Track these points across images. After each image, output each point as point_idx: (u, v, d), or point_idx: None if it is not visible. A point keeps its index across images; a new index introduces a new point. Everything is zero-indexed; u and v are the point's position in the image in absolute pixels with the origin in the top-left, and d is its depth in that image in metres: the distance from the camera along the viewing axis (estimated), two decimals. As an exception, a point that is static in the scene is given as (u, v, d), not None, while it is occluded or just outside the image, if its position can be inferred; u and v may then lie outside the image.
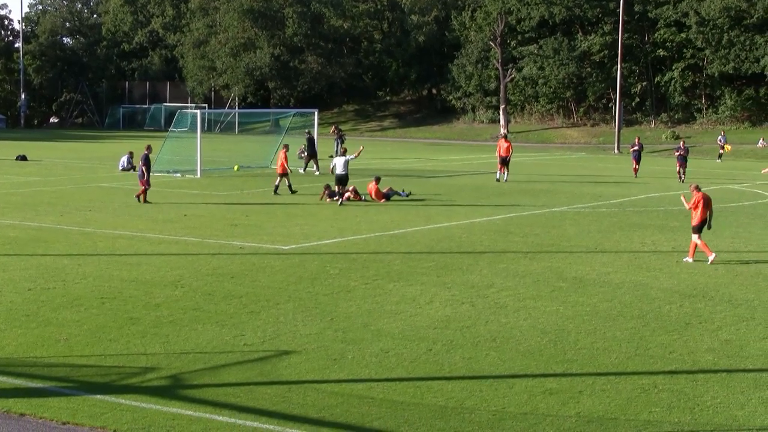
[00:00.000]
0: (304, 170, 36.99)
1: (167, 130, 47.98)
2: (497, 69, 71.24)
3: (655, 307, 13.71)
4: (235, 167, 37.39)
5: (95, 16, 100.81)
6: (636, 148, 38.55)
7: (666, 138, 63.14)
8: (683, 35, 65.91)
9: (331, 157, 28.62)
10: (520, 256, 17.94)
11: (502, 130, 63.27)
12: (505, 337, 11.88)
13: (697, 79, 67.62)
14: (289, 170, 29.02)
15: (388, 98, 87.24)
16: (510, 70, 70.89)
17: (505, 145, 34.81)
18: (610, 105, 69.29)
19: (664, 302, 14.06)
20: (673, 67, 67.36)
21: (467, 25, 75.13)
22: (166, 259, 17.01)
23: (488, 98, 74.38)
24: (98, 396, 9.35)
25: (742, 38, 63.03)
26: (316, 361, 10.68)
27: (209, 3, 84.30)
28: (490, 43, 71.77)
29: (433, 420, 8.87)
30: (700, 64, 66.64)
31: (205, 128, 48.00)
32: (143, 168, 26.01)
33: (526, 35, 71.97)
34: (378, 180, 28.12)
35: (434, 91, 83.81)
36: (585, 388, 9.87)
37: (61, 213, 23.53)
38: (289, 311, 13.06)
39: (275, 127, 64.17)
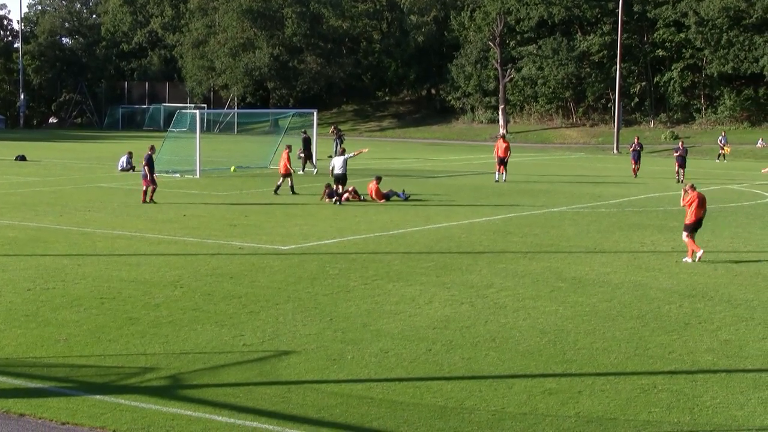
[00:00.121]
0: (303, 170, 37.00)
1: (166, 131, 47.96)
2: (496, 69, 71.24)
3: (655, 307, 13.70)
4: (232, 168, 37.40)
5: (94, 16, 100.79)
6: (636, 148, 38.46)
7: (665, 138, 63.15)
8: (682, 35, 65.93)
9: (330, 157, 28.60)
10: (520, 257, 17.94)
11: (501, 131, 63.30)
12: (505, 337, 11.87)
13: (696, 80, 67.64)
14: (292, 170, 29.04)
15: (387, 98, 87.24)
16: (509, 70, 70.90)
17: (503, 145, 34.82)
18: (609, 105, 69.30)
19: (663, 302, 14.05)
20: (672, 67, 67.38)
21: (466, 25, 75.13)
22: (165, 260, 16.99)
23: (487, 98, 74.38)
24: (98, 396, 9.34)
25: (741, 38, 63.04)
26: (315, 362, 10.67)
27: (208, 3, 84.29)
28: (489, 43, 71.78)
29: (432, 420, 8.86)
30: (699, 64, 66.65)
31: (204, 128, 47.92)
32: (146, 168, 26.02)
33: (525, 35, 71.99)
34: (379, 179, 28.15)
35: (433, 91, 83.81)
36: (584, 388, 9.87)
37: (60, 213, 23.52)
38: (289, 311, 13.05)
39: (274, 127, 64.17)
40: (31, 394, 9.48)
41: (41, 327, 12.04)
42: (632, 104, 69.61)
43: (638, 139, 40.79)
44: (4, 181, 32.56)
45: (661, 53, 68.19)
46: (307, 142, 37.51)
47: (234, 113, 74.51)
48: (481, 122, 75.13)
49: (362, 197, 27.77)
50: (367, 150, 32.59)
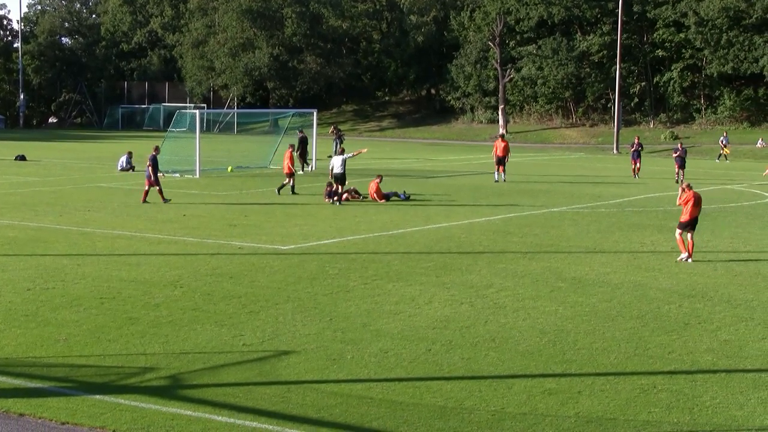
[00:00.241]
0: (303, 170, 36.99)
1: (166, 130, 47.97)
2: (496, 69, 71.21)
3: (654, 308, 13.70)
4: (229, 168, 37.39)
5: (94, 16, 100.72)
6: (636, 148, 38.35)
7: (665, 138, 63.10)
8: (682, 35, 65.87)
9: (330, 157, 28.62)
10: (519, 257, 17.94)
11: (501, 131, 63.28)
12: (504, 338, 11.87)
13: (695, 80, 67.59)
14: (294, 171, 29.04)
15: (386, 98, 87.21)
16: (509, 70, 70.87)
17: (502, 145, 34.82)
18: (609, 105, 69.27)
19: (663, 302, 14.05)
20: (672, 68, 67.32)
21: (466, 26, 75.09)
22: (165, 259, 16.99)
23: (487, 98, 74.34)
24: (97, 396, 9.34)
25: (740, 38, 62.98)
26: (315, 361, 10.67)
27: (208, 3, 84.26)
28: (489, 43, 71.75)
29: (432, 420, 8.86)
30: (699, 64, 66.60)
31: (204, 128, 47.90)
32: (150, 169, 26.06)
33: (525, 35, 71.94)
34: (381, 179, 28.17)
35: (433, 91, 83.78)
36: (584, 388, 9.87)
37: (60, 213, 23.51)
38: (288, 311, 13.05)
39: (274, 127, 64.16)
40: (30, 393, 9.47)
41: (41, 327, 12.04)
42: (632, 104, 69.59)
43: (638, 139, 40.71)
44: (3, 181, 32.55)
45: (660, 53, 68.16)
46: (303, 142, 37.46)
47: (234, 113, 74.48)
48: (481, 122, 75.09)
49: (361, 197, 27.76)
50: (366, 150, 32.60)
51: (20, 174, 35.76)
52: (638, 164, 38.04)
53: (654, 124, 68.51)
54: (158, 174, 26.49)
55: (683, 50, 66.68)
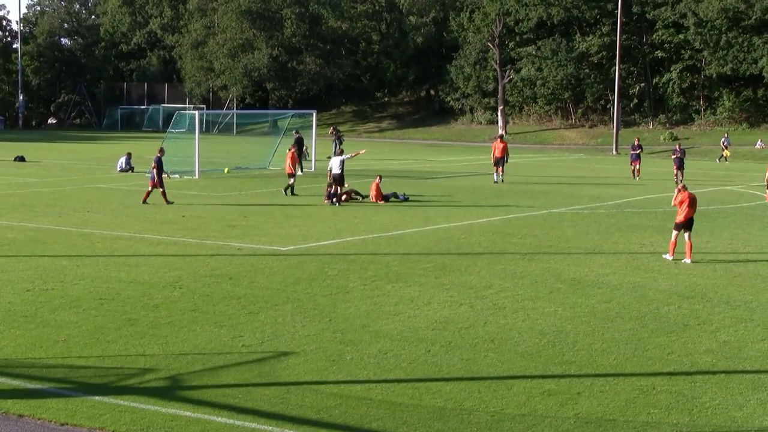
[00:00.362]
0: (302, 171, 36.96)
1: (165, 131, 47.95)
2: (495, 70, 71.22)
3: (654, 309, 13.69)
4: (226, 170, 37.35)
5: (93, 17, 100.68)
6: (636, 149, 38.27)
7: (664, 139, 63.06)
8: (681, 36, 65.84)
9: (329, 158, 28.62)
10: (519, 258, 17.93)
11: (500, 131, 63.27)
12: (504, 339, 11.86)
13: (695, 81, 67.56)
14: (292, 171, 29.03)
15: (386, 99, 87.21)
16: (508, 71, 70.87)
17: (501, 145, 34.82)
18: (608, 106, 69.26)
19: (662, 303, 14.04)
20: (671, 69, 67.29)
21: (465, 26, 75.08)
22: (164, 260, 16.97)
23: (486, 99, 74.34)
24: (97, 397, 9.33)
25: (740, 39, 62.95)
26: (314, 362, 10.65)
27: (207, 4, 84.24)
28: (488, 44, 71.76)
29: (431, 421, 8.85)
30: (698, 65, 66.58)
31: (204, 129, 47.92)
32: (154, 170, 26.05)
33: (525, 36, 71.93)
34: (380, 178, 28.16)
35: (432, 92, 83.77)
36: (583, 389, 9.86)
37: (59, 214, 23.50)
38: (288, 312, 13.03)
39: (273, 128, 64.15)
40: (30, 394, 9.45)
41: (40, 328, 12.02)
42: (631, 105, 69.57)
43: (638, 140, 40.62)
44: (3, 182, 32.53)
45: (660, 54, 68.15)
46: (299, 142, 37.45)
47: (233, 114, 74.49)
48: (480, 123, 75.07)
49: (363, 197, 27.70)
50: (364, 151, 32.60)
51: (19, 175, 35.74)
52: (638, 165, 37.99)
53: (653, 125, 68.50)
54: (163, 175, 26.49)
55: (682, 51, 66.67)
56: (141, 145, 51.51)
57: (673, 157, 36.68)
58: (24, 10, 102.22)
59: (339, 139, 42.33)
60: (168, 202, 25.84)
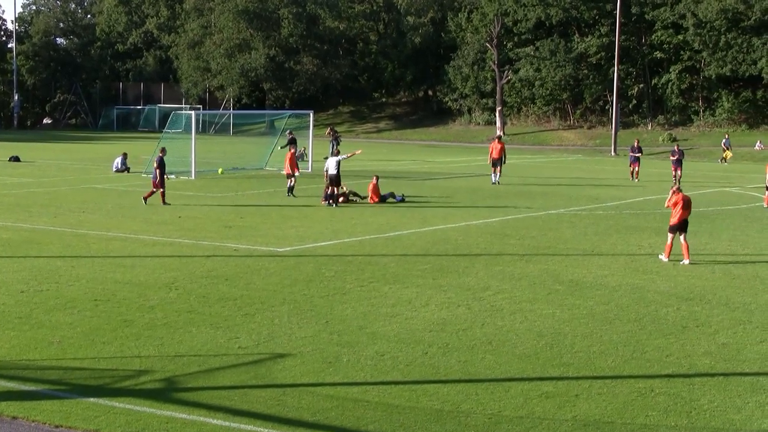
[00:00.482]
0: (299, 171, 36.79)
1: (161, 132, 47.87)
2: (493, 71, 71.16)
3: (652, 311, 13.66)
4: (220, 170, 37.26)
5: (89, 16, 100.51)
6: (636, 152, 38.10)
7: (663, 140, 62.94)
8: (680, 37, 65.76)
9: (326, 158, 28.57)
10: (517, 259, 17.89)
11: (498, 132, 63.22)
12: (501, 340, 11.83)
13: (694, 81, 67.50)
14: (292, 172, 28.91)
15: (383, 100, 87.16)
16: (506, 71, 70.82)
17: (498, 146, 34.77)
18: (606, 107, 69.23)
19: (661, 305, 14.01)
20: (670, 69, 67.18)
21: (463, 27, 75.04)
22: (160, 261, 16.92)
23: (484, 100, 74.26)
24: (91, 399, 9.30)
25: (739, 40, 62.86)
26: (311, 364, 10.62)
27: (204, 4, 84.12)
28: (487, 44, 71.70)
29: (428, 423, 8.82)
30: (698, 66, 66.51)
31: (200, 130, 47.87)
32: (157, 170, 25.98)
33: (523, 37, 71.87)
34: (377, 178, 28.09)
35: (430, 92, 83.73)
36: (581, 391, 9.83)
37: (54, 214, 23.44)
38: (284, 314, 13.00)
39: (270, 128, 64.08)
40: (24, 396, 9.41)
41: (34, 329, 11.97)
42: (630, 106, 69.50)
43: (638, 141, 40.44)
44: (-1, 182, 32.45)
45: (659, 55, 68.08)
46: (293, 143, 37.36)
47: (230, 114, 74.41)
48: (478, 124, 75.02)
49: (362, 197, 27.60)
50: (360, 151, 32.54)
51: (14, 175, 35.66)
52: (637, 167, 37.87)
53: (652, 126, 68.44)
54: (165, 176, 26.43)
55: (681, 52, 66.58)
56: (137, 146, 51.48)
57: (672, 158, 36.63)
58: (19, 10, 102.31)
59: (336, 140, 42.28)
60: (164, 203, 25.77)
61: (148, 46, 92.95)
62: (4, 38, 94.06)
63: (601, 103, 71.20)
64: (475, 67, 72.65)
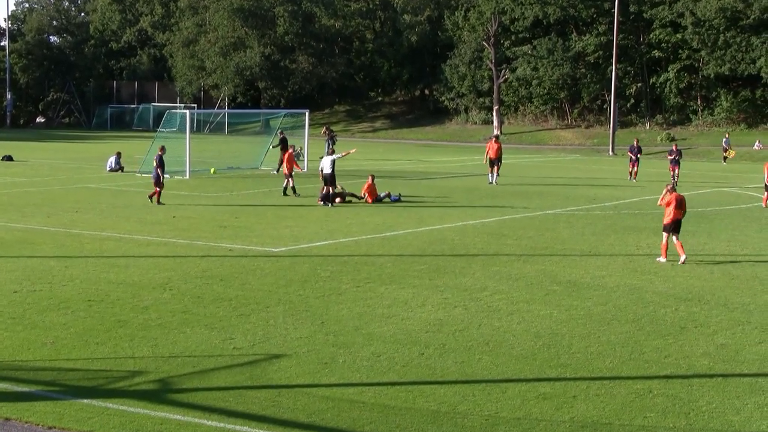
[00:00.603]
0: (277, 171, 36.66)
1: (156, 131, 47.78)
2: (490, 69, 71.12)
3: (650, 311, 13.61)
4: (212, 170, 37.14)
5: (83, 14, 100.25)
6: (635, 152, 37.96)
7: (661, 140, 62.76)
8: (679, 36, 65.69)
9: (322, 158, 28.50)
10: (514, 259, 17.84)
11: (495, 132, 63.18)
12: (498, 341, 11.78)
13: (692, 81, 67.43)
14: (285, 172, 28.83)
15: (380, 99, 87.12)
16: (503, 70, 70.78)
17: (495, 146, 34.69)
18: (604, 106, 69.24)
19: (659, 306, 13.97)
20: (669, 68, 67.07)
21: (460, 25, 74.99)
22: (154, 261, 16.86)
23: (481, 99, 74.22)
24: (85, 400, 9.26)
25: (738, 39, 62.76)
26: (306, 365, 10.57)
27: (199, 2, 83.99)
28: (484, 43, 71.65)
29: (425, 425, 8.79)
30: (696, 65, 66.44)
31: (194, 129, 47.67)
32: (158, 169, 25.84)
33: (520, 35, 71.81)
34: (373, 178, 28.01)
35: (427, 91, 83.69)
36: (579, 392, 9.80)
37: (47, 214, 23.35)
38: (279, 314, 12.94)
39: (265, 127, 63.99)
40: (17, 397, 9.37)
41: (28, 330, 11.92)
42: (628, 105, 69.42)
43: (637, 141, 40.26)
44: (-7, 181, 32.33)
45: (657, 54, 68.01)
46: (284, 143, 37.27)
47: (224, 113, 74.28)
48: (475, 123, 74.98)
49: (359, 198, 27.49)
50: (354, 150, 32.46)
51: (7, 174, 35.54)
52: (636, 167, 37.76)
53: (650, 125, 68.39)
54: (163, 175, 26.35)
55: (680, 51, 66.49)
56: (131, 145, 51.38)
57: (670, 158, 36.58)
58: (12, 7, 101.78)
59: (332, 139, 42.18)
60: (158, 203, 25.65)
61: (142, 44, 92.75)
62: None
63: (599, 102, 71.20)
64: (472, 65, 72.61)
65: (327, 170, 26.37)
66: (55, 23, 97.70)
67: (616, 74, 60.71)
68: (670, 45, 67.01)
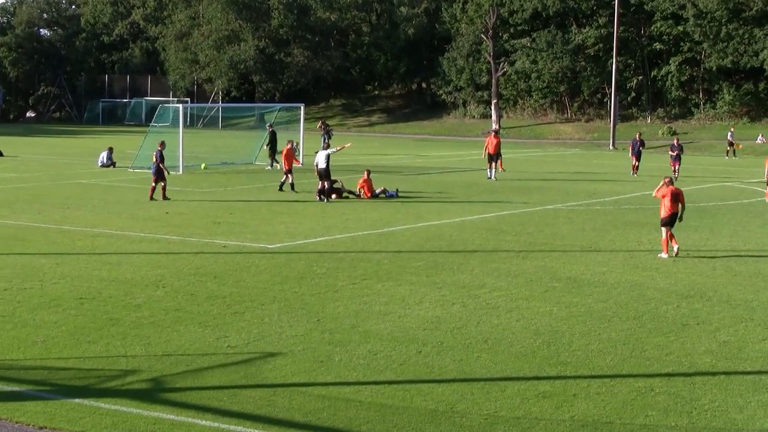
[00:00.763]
0: (272, 166, 36.52)
1: (148, 125, 47.70)
2: (489, 62, 70.97)
3: (652, 308, 13.53)
4: (203, 166, 36.98)
5: (74, 7, 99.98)
6: (637, 146, 37.78)
7: (663, 134, 62.49)
8: (680, 28, 65.45)
9: (317, 152, 28.37)
10: (513, 255, 17.74)
11: (494, 126, 63.07)
12: (497, 339, 11.69)
13: (694, 74, 67.25)
14: (290, 168, 28.60)
15: (376, 92, 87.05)
16: (502, 63, 70.62)
17: (494, 141, 34.55)
18: (605, 100, 69.17)
19: (660, 303, 13.89)
20: (670, 61, 66.91)
21: (458, 18, 74.83)
22: (146, 258, 16.78)
23: (480, 93, 74.06)
24: (77, 399, 9.21)
25: (740, 31, 62.51)
26: (302, 364, 10.50)
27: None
28: (482, 35, 71.48)
29: (423, 424, 8.72)
30: (698, 57, 66.26)
31: (188, 123, 47.63)
32: (160, 165, 25.56)
33: (519, 28, 71.68)
34: (368, 173, 27.85)
35: (424, 85, 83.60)
36: (579, 391, 9.73)
37: (38, 210, 23.27)
38: (275, 312, 12.86)
39: (260, 122, 63.81)
40: (7, 397, 9.31)
41: (18, 328, 11.84)
42: (629, 99, 69.33)
43: (640, 135, 40.03)
44: (-17, 177, 32.18)
45: (658, 46, 67.82)
46: (273, 136, 37.13)
47: (218, 107, 74.18)
48: (473, 117, 74.89)
49: (357, 195, 27.29)
50: (350, 144, 32.32)
51: (-1, 170, 35.40)
52: (638, 162, 37.58)
53: (651, 119, 68.25)
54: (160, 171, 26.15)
55: (681, 43, 66.28)
56: (123, 140, 51.30)
57: (671, 153, 36.45)
58: (2, 0, 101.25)
59: (328, 134, 42.01)
60: (151, 199, 25.45)
61: (134, 37, 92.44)
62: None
63: (599, 95, 71.08)
64: (470, 58, 72.44)
65: (322, 165, 26.24)
66: (46, 16, 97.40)
67: (617, 67, 60.46)
68: (671, 37, 66.78)
